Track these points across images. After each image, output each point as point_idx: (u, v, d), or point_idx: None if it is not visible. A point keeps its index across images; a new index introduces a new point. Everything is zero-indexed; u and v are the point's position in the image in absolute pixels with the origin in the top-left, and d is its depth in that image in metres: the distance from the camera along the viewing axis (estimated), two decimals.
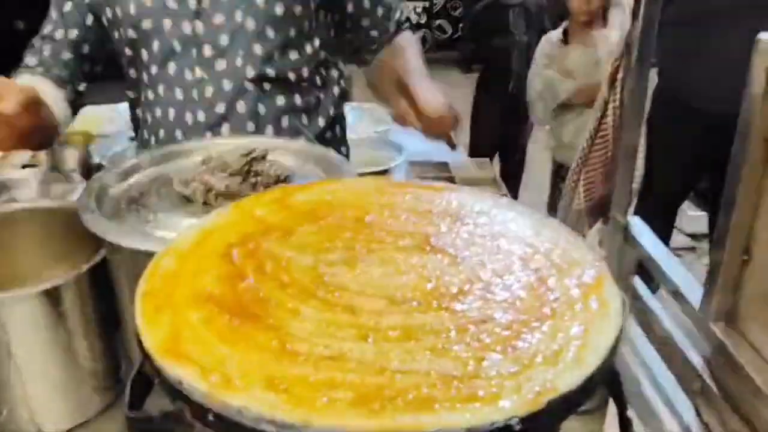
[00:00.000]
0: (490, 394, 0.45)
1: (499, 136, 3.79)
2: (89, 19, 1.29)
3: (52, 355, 0.95)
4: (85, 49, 1.31)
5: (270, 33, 1.25)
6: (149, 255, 0.76)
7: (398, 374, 0.47)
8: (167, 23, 1.23)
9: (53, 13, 1.30)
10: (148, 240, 0.80)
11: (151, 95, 1.29)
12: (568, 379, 0.47)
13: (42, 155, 2.31)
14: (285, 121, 1.30)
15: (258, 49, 1.24)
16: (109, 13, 1.26)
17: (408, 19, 1.45)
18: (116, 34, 1.28)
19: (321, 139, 1.37)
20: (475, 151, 3.42)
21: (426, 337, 0.51)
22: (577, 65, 3.02)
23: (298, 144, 1.07)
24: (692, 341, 1.04)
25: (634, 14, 1.10)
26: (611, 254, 1.23)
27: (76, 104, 1.34)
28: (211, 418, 0.45)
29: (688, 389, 1.03)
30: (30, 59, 1.30)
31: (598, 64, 2.91)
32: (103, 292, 0.96)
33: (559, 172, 3.18)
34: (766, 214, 0.82)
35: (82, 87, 1.34)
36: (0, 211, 1.09)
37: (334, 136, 1.43)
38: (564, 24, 3.09)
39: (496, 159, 3.83)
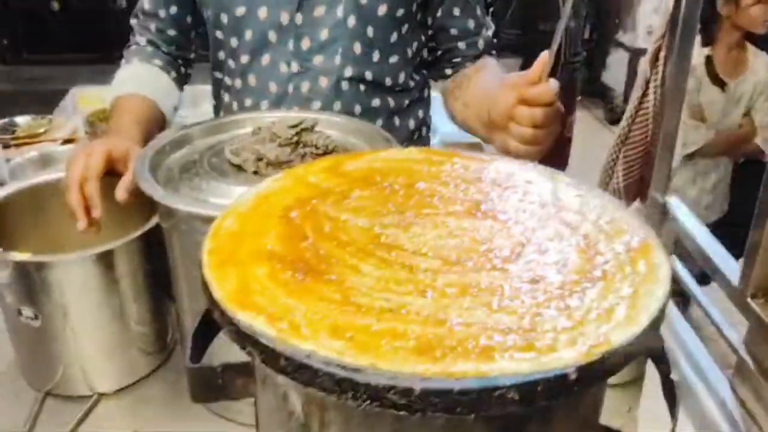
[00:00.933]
0: (547, 346, 0.47)
1: None
2: None
3: (105, 318, 0.99)
4: (188, 20, 1.34)
5: (370, 32, 1.22)
6: (203, 219, 0.80)
7: (457, 326, 0.49)
8: (263, 11, 1.21)
9: None
10: (202, 205, 0.83)
11: (239, 84, 1.29)
12: (621, 334, 0.49)
13: (82, 131, 2.36)
14: (378, 122, 1.28)
15: (358, 48, 1.22)
16: None
17: (495, 43, 1.38)
18: (206, 14, 1.28)
19: (409, 141, 1.36)
20: None
21: (482, 294, 0.53)
22: (713, 104, 2.39)
23: (342, 117, 1.09)
24: (728, 317, 1.05)
25: None
26: None
27: (187, 74, 1.40)
28: (282, 362, 0.48)
29: (723, 365, 1.05)
30: (139, 37, 1.34)
31: (740, 102, 2.40)
32: (155, 258, 1.00)
33: None
34: None
35: (192, 55, 1.39)
36: (54, 179, 1.12)
37: (420, 136, 1.41)
38: (705, 49, 2.34)
39: None
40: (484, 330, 0.49)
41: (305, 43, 1.22)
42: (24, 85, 5.54)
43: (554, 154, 3.49)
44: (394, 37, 1.25)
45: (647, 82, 1.19)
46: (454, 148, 1.83)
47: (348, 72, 1.23)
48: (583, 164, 3.74)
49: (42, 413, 0.99)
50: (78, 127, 2.38)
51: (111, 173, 1.02)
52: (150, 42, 1.33)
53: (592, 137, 5.15)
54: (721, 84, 2.30)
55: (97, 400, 1.02)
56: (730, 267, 1.01)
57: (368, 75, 1.25)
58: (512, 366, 0.45)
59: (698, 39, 2.29)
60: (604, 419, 0.99)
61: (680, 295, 1.50)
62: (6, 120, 2.32)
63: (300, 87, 1.24)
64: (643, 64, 1.20)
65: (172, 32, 1.33)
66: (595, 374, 0.47)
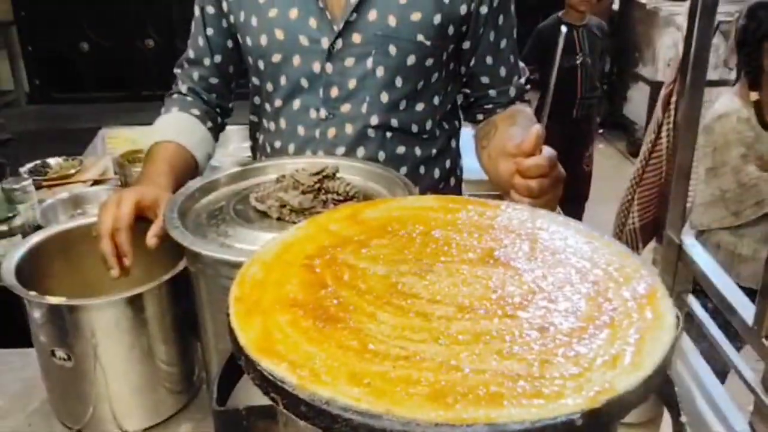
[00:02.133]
0: (554, 393, 0.50)
1: (561, 162, 3.66)
2: (230, 43, 1.36)
3: (134, 358, 1.03)
4: (231, 69, 1.40)
5: (398, 82, 1.26)
6: (229, 264, 0.84)
7: (469, 373, 0.52)
8: (296, 59, 1.26)
9: (199, 40, 1.37)
10: (227, 251, 0.87)
11: (272, 126, 1.35)
12: (626, 381, 0.51)
13: (111, 172, 2.43)
14: (403, 170, 1.30)
15: (385, 97, 1.26)
16: (240, 40, 1.32)
17: (527, 89, 1.40)
18: (248, 61, 1.35)
19: (435, 190, 1.37)
20: None
21: (493, 341, 0.56)
22: None
23: (363, 163, 1.13)
24: (745, 357, 1.06)
25: (687, 37, 1.13)
26: (665, 272, 1.26)
27: (223, 124, 1.46)
28: (302, 408, 0.51)
29: (741, 405, 1.06)
30: (181, 85, 1.40)
31: None
32: (182, 300, 1.03)
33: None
34: None
35: (230, 104, 1.45)
36: (85, 224, 1.17)
37: (447, 186, 1.42)
38: (753, 94, 2.19)
39: None
40: (494, 377, 0.51)
41: (334, 92, 1.26)
42: (53, 124, 5.68)
43: (574, 187, 3.49)
44: (420, 84, 1.28)
45: (660, 126, 1.22)
46: (470, 185, 1.85)
47: (374, 120, 1.27)
48: (605, 196, 3.75)
49: None
50: (108, 168, 2.45)
51: (140, 219, 1.06)
52: (191, 90, 1.39)
53: (614, 169, 5.16)
54: None
55: None
56: (746, 307, 1.02)
57: (394, 122, 1.28)
58: (520, 413, 0.48)
59: (734, 88, 2.28)
60: None
61: (698, 332, 1.51)
62: (38, 162, 2.40)
63: (326, 133, 1.28)
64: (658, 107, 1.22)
65: (214, 80, 1.39)
66: (600, 420, 0.49)
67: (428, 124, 1.33)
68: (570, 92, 3.67)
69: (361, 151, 1.28)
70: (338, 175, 1.01)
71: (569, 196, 4.04)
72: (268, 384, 0.53)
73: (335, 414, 0.49)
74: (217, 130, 1.42)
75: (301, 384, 0.51)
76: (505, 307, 0.60)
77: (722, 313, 1.08)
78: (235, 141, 2.22)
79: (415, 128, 1.31)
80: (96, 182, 2.35)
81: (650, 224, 1.28)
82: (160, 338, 1.04)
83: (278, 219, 0.94)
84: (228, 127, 1.57)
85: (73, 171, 2.37)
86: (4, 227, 1.93)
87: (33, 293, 0.98)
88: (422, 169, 1.35)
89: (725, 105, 2.21)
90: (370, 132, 1.27)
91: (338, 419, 0.49)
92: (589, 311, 0.60)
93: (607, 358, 0.54)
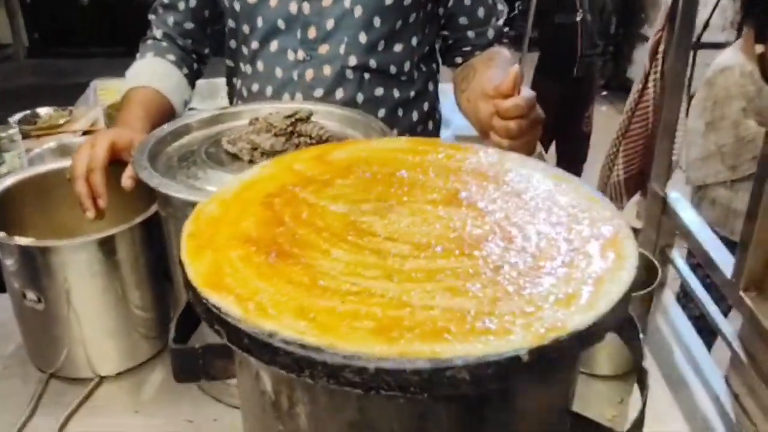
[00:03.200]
0: (502, 329, 0.48)
1: (559, 122, 3.64)
2: None
3: (107, 302, 1.02)
4: (206, 13, 1.38)
5: (376, 22, 1.24)
6: None
7: (417, 309, 0.50)
8: (273, 0, 1.24)
9: None
10: (198, 193, 0.85)
11: (249, 69, 1.32)
12: (577, 320, 0.50)
13: (101, 123, 2.41)
14: (381, 113, 1.29)
15: (363, 37, 1.24)
16: None
17: (505, 31, 1.38)
18: (223, 3, 1.32)
19: (413, 133, 1.36)
20: None
21: (446, 279, 0.54)
22: None
23: (339, 108, 1.11)
24: (723, 311, 1.05)
25: None
26: (649, 226, 1.24)
27: (199, 70, 1.43)
28: (245, 341, 0.49)
29: (718, 359, 1.05)
30: (156, 30, 1.38)
31: None
32: (155, 245, 1.02)
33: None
34: None
35: (206, 50, 1.42)
36: (59, 168, 1.15)
37: (425, 130, 1.41)
38: (758, 46, 2.13)
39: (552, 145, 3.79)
40: (443, 313, 0.50)
41: (311, 32, 1.24)
42: (52, 79, 5.63)
43: (572, 148, 3.44)
44: (399, 24, 1.27)
45: (647, 76, 1.19)
46: (462, 141, 1.84)
47: (352, 61, 1.25)
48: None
49: (45, 394, 1.03)
50: (98, 118, 2.43)
51: (116, 162, 1.04)
52: (166, 35, 1.37)
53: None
54: None
55: (98, 382, 1.04)
56: (725, 260, 1.01)
57: (372, 63, 1.27)
58: (465, 348, 0.47)
59: (737, 42, 2.22)
60: (596, 410, 1.00)
61: (682, 290, 1.50)
62: (28, 111, 2.38)
63: (304, 74, 1.26)
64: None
65: (189, 25, 1.37)
66: (548, 357, 0.48)
67: (406, 66, 1.31)
68: (570, 50, 3.62)
69: (339, 93, 1.26)
70: (313, 119, 0.99)
71: (567, 156, 3.99)
72: (212, 317, 0.52)
73: (277, 347, 0.48)
74: (193, 76, 1.40)
75: (245, 317, 0.50)
76: (463, 246, 0.59)
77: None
78: (223, 93, 2.19)
79: (393, 69, 1.29)
80: (86, 133, 2.34)
81: (635, 177, 1.26)
82: (133, 282, 1.03)
83: (250, 161, 0.92)
84: (215, 80, 1.55)
85: (62, 121, 2.35)
86: None
87: (2, 234, 0.97)
88: (400, 112, 1.34)
89: (728, 58, 2.16)
90: (349, 73, 1.26)
91: (280, 352, 0.48)
92: (548, 251, 0.58)
93: (561, 296, 0.52)
